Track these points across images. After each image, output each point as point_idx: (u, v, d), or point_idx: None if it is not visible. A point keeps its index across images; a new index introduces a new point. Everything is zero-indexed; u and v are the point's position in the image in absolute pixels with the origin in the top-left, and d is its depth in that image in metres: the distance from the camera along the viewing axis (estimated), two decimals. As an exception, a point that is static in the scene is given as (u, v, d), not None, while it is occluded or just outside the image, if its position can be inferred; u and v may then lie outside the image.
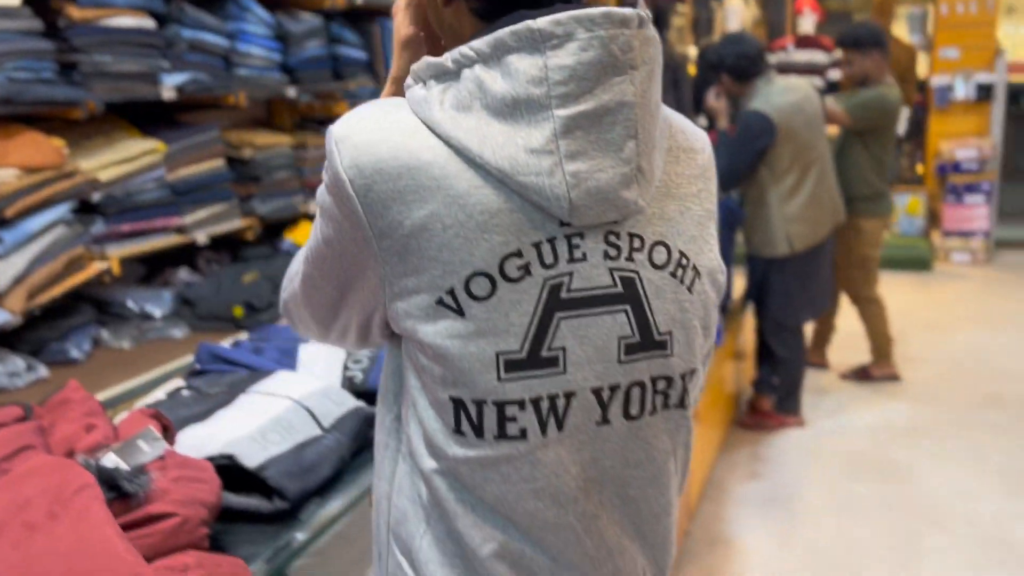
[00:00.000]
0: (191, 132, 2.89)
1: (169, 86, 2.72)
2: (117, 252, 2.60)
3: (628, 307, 0.96)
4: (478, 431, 0.91)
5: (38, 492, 0.86)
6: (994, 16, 7.01)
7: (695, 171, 1.03)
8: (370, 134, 0.89)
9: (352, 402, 1.31)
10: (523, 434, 0.91)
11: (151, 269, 2.99)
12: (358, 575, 1.19)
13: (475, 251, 0.88)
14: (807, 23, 6.98)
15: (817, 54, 6.62)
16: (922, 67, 7.39)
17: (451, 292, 0.89)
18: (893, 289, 6.13)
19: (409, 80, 0.96)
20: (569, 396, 0.92)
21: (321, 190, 0.94)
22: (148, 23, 2.64)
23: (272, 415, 1.18)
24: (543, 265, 0.91)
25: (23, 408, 1.08)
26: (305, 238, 3.27)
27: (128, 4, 2.58)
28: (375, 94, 3.85)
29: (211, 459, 1.06)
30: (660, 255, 0.97)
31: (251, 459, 1.10)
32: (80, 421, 1.08)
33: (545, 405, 0.91)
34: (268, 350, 1.47)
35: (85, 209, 2.55)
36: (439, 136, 0.90)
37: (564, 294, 0.92)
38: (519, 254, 0.90)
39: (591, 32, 0.86)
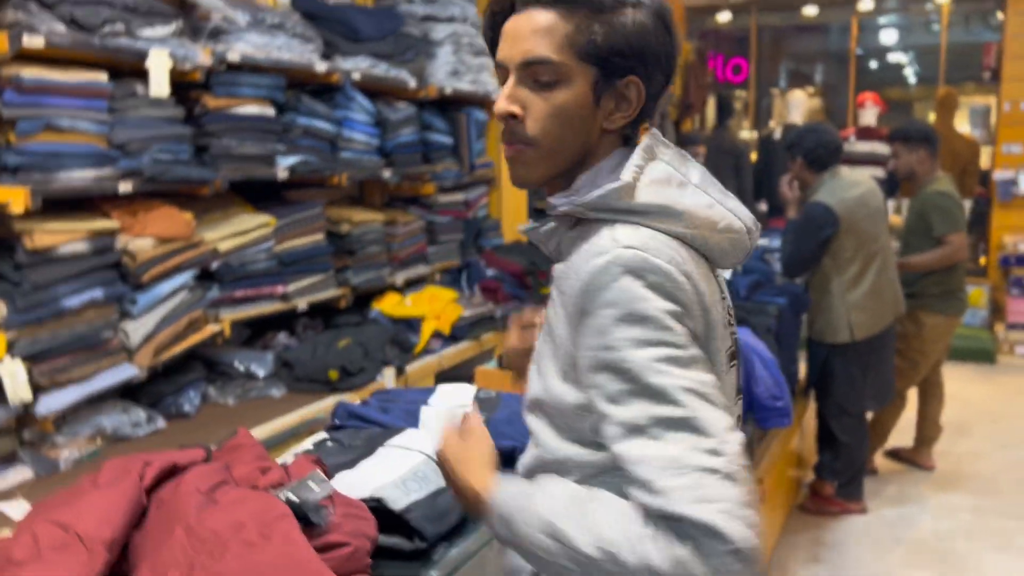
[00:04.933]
0: (298, 208, 3.16)
1: (283, 167, 3.01)
2: (229, 316, 2.85)
3: (736, 363, 1.12)
4: None
5: (249, 517, 1.04)
6: (1057, 114, 7.11)
7: None
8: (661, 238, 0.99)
9: (471, 459, 1.48)
10: None
11: (254, 332, 3.24)
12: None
13: (722, 342, 1.04)
14: (869, 115, 7.14)
15: (878, 146, 6.76)
16: (985, 160, 7.48)
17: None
18: (956, 380, 6.11)
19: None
20: None
21: (652, 307, 0.91)
22: (269, 111, 2.95)
23: (409, 466, 1.36)
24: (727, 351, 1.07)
25: (205, 450, 1.28)
26: (391, 307, 3.47)
27: (254, 94, 2.89)
28: (459, 176, 4.13)
29: (362, 501, 1.24)
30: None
31: (396, 503, 1.27)
32: (253, 463, 1.27)
33: None
34: (393, 410, 1.65)
35: (204, 276, 2.81)
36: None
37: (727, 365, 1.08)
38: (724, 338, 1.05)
39: None
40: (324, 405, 2.88)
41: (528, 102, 1.04)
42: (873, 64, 8.95)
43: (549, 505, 0.93)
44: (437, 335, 3.55)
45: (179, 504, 1.06)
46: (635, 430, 0.90)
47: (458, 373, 3.50)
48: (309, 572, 0.96)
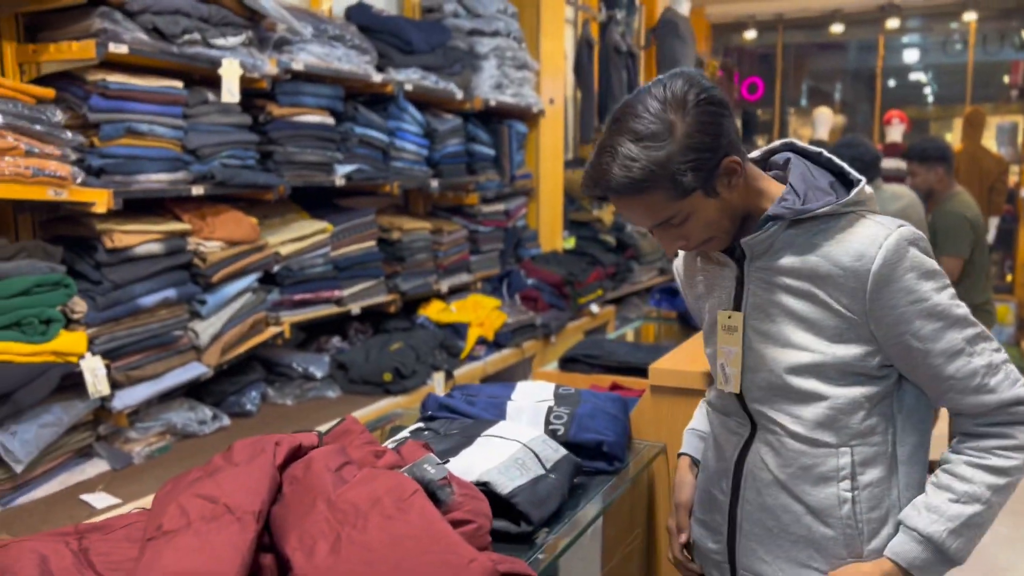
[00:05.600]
0: (352, 215, 3.23)
1: (340, 175, 3.08)
2: (289, 318, 2.92)
3: None
4: None
5: (385, 492, 1.09)
6: (1084, 132, 7.14)
7: None
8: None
9: (562, 450, 1.53)
10: None
11: (308, 335, 3.30)
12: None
13: None
14: (896, 132, 7.20)
15: (904, 163, 6.81)
16: (1013, 177, 7.51)
17: None
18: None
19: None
20: None
21: (932, 264, 1.21)
22: (329, 120, 3.02)
23: (509, 454, 1.41)
24: None
25: (317, 435, 1.34)
26: (437, 313, 3.53)
27: (315, 104, 2.97)
28: (501, 187, 4.20)
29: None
30: None
31: (503, 488, 1.32)
32: (365, 448, 1.33)
33: None
34: (478, 403, 1.71)
35: (265, 280, 2.88)
36: None
37: None
38: None
39: None
40: (380, 406, 2.94)
41: (682, 233, 1.25)
42: (892, 82, 9.00)
43: (924, 518, 1.23)
44: (481, 341, 3.61)
45: (315, 480, 1.11)
46: (956, 353, 1.20)
47: (502, 378, 3.56)
48: (448, 543, 1.02)
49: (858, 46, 9.16)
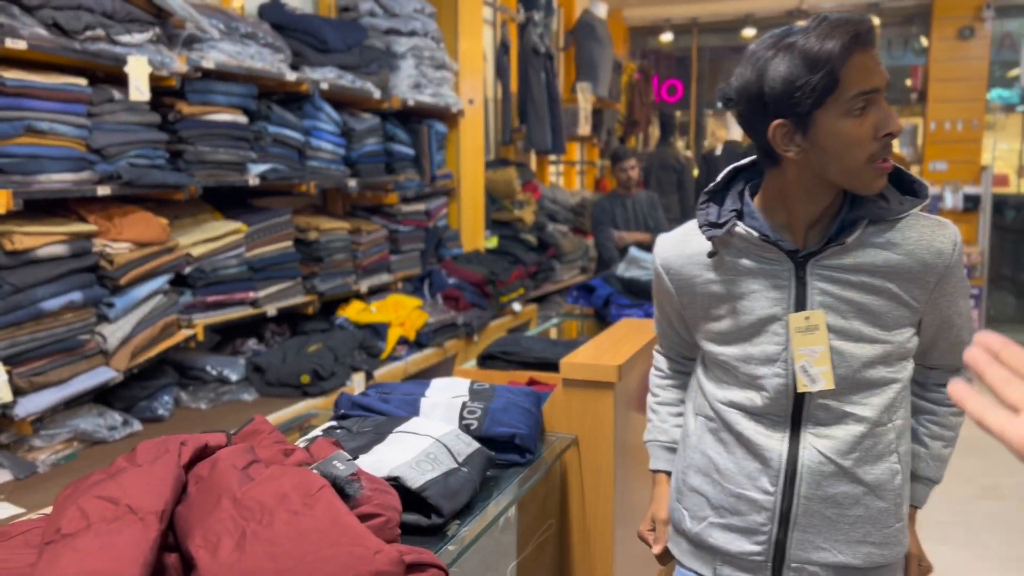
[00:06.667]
0: (267, 215, 3.19)
1: (254, 174, 3.04)
2: (202, 320, 2.86)
3: None
4: None
5: (291, 488, 1.09)
6: (979, 134, 7.53)
7: None
8: None
9: (475, 443, 1.55)
10: None
11: (223, 338, 3.24)
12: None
13: None
14: (805, 134, 7.44)
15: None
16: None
17: None
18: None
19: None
20: None
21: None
22: (241, 119, 2.98)
23: (420, 448, 1.42)
24: None
25: (226, 435, 1.33)
26: (356, 314, 3.51)
27: (227, 102, 2.92)
28: (421, 187, 4.20)
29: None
30: None
31: (413, 482, 1.34)
32: (274, 447, 1.33)
33: None
34: (392, 400, 1.72)
35: (177, 281, 2.82)
36: None
37: None
38: None
39: None
40: (296, 409, 2.91)
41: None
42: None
43: (934, 467, 1.48)
44: (402, 341, 3.60)
45: (220, 479, 1.11)
46: (968, 318, 1.40)
47: (424, 378, 3.56)
48: (354, 535, 1.03)
49: (770, 50, 9.44)
